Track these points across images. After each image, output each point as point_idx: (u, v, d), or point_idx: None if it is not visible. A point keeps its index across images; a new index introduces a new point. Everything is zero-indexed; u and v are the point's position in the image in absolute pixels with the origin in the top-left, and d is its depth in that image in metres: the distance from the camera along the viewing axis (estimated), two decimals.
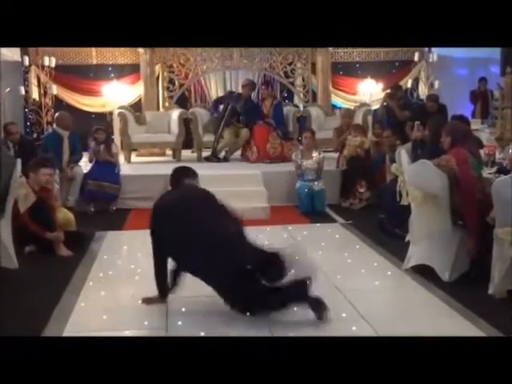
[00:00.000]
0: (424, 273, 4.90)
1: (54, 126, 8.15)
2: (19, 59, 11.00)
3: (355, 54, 11.82)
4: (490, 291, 4.39)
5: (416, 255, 5.07)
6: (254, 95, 11.02)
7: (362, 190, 7.94)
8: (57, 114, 8.34)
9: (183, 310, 4.28)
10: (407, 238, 5.50)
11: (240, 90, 10.05)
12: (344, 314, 4.13)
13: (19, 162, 5.48)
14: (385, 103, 9.28)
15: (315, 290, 4.18)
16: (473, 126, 7.99)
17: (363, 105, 10.33)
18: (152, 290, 4.63)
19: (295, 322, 4.00)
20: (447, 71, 11.69)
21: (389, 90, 9.89)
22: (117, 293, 4.73)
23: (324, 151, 8.33)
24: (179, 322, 4.03)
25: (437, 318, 4.11)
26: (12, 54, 10.78)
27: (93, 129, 8.48)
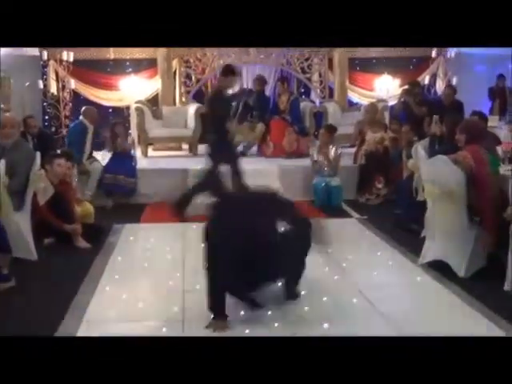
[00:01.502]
0: (440, 268, 4.90)
1: (81, 117, 8.20)
2: (37, 54, 11.08)
3: (372, 49, 11.75)
4: (506, 287, 4.38)
5: (432, 251, 5.08)
6: (269, 91, 11.04)
7: (379, 186, 7.93)
8: (84, 107, 8.40)
9: (198, 301, 4.29)
10: (423, 234, 5.50)
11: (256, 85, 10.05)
12: (359, 309, 4.16)
13: (38, 155, 5.55)
14: (402, 99, 9.24)
15: (331, 286, 4.23)
16: (490, 123, 7.97)
17: (380, 101, 10.29)
18: (167, 282, 4.69)
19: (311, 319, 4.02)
20: (465, 68, 11.61)
21: (406, 86, 9.83)
22: (134, 284, 4.77)
23: (342, 146, 8.34)
24: (194, 313, 4.07)
25: (452, 314, 4.12)
26: (30, 48, 10.86)
27: (111, 122, 8.57)
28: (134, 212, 7.42)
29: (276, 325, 3.86)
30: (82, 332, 3.78)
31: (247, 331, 3.75)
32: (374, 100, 10.64)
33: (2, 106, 9.34)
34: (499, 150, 6.06)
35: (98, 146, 8.53)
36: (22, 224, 5.21)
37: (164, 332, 3.80)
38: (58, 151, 6.50)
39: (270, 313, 4.05)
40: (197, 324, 3.90)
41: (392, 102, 10.46)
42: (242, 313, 4.05)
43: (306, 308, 4.17)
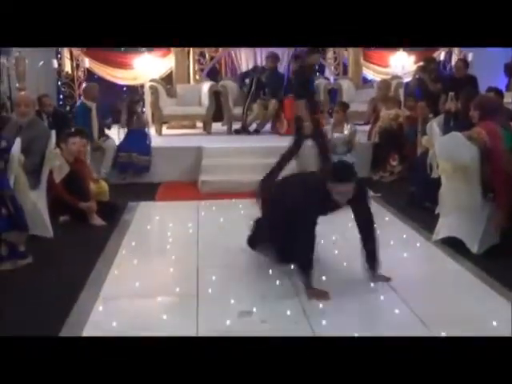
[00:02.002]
0: (453, 245, 4.90)
1: (82, 97, 8.26)
2: None
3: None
4: None
5: (445, 227, 5.08)
6: (283, 68, 10.98)
7: (394, 163, 7.91)
8: (84, 86, 8.46)
9: (213, 278, 4.36)
10: (437, 211, 5.49)
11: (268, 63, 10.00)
12: (373, 285, 4.18)
13: (53, 133, 5.56)
14: (417, 76, 9.16)
15: (344, 263, 4.26)
16: (507, 99, 7.89)
17: (395, 77, 10.22)
18: (182, 258, 4.74)
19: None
20: None
21: (421, 63, 9.74)
22: (149, 261, 4.81)
23: (355, 124, 8.31)
24: (209, 290, 4.11)
25: (465, 290, 4.13)
26: None
27: (125, 100, 8.60)
28: (148, 190, 7.47)
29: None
30: (97, 308, 3.83)
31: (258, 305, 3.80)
32: (388, 77, 10.57)
33: (17, 85, 9.41)
34: None
35: (110, 124, 8.57)
36: (38, 202, 5.24)
37: (178, 307, 3.86)
38: (73, 129, 6.49)
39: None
40: (211, 300, 3.95)
41: (407, 79, 10.37)
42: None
43: (323, 277, 4.21)
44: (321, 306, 3.80)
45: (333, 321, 3.60)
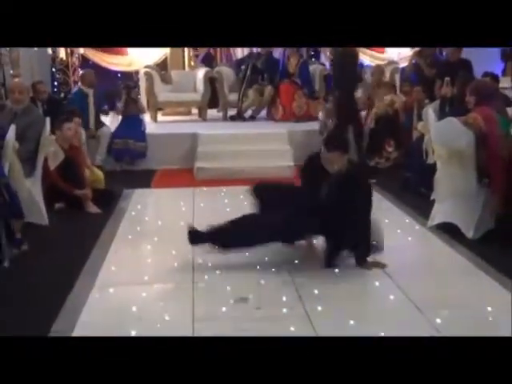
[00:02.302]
0: (448, 231, 4.91)
1: (79, 84, 8.23)
2: None
3: None
4: None
5: (441, 213, 5.09)
6: (279, 53, 10.94)
7: (390, 150, 7.88)
8: (80, 72, 8.43)
9: (209, 264, 4.37)
10: (432, 197, 5.50)
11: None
12: (366, 271, 4.20)
13: (48, 120, 5.55)
14: (413, 61, 9.14)
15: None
16: (503, 84, 7.88)
17: (391, 63, 10.17)
18: (177, 245, 4.74)
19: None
20: None
21: (417, 48, 9.72)
22: (144, 248, 4.83)
23: None
24: (205, 277, 4.12)
25: (461, 276, 4.15)
26: None
27: (121, 85, 8.58)
28: (143, 177, 7.47)
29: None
30: (93, 296, 3.84)
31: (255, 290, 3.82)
32: (384, 62, 10.53)
33: (11, 71, 9.35)
34: (510, 111, 6.01)
35: (107, 111, 8.53)
36: (33, 189, 5.24)
37: (173, 294, 3.89)
38: (66, 114, 6.46)
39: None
40: (207, 287, 3.96)
41: (403, 64, 10.34)
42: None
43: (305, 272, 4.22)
44: (316, 291, 3.81)
45: (328, 307, 3.62)
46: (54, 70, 11.19)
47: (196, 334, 3.28)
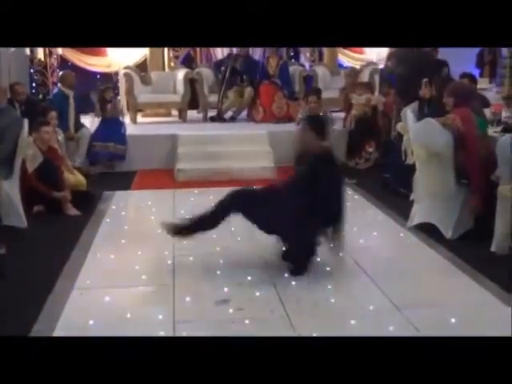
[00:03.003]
0: (427, 231, 4.96)
1: (59, 85, 8.17)
2: None
3: None
4: (493, 248, 4.45)
5: (420, 213, 5.13)
6: (258, 54, 10.97)
7: (370, 150, 7.95)
8: (61, 73, 8.37)
9: (190, 260, 4.43)
10: (411, 197, 5.54)
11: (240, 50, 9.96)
12: (348, 270, 4.22)
13: (26, 122, 5.50)
14: (388, 63, 9.23)
15: (321, 248, 4.30)
16: (480, 85, 7.96)
17: (370, 64, 10.25)
18: (158, 248, 4.73)
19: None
20: None
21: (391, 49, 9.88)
22: (124, 250, 4.79)
23: (331, 111, 8.33)
24: (186, 279, 4.12)
25: (439, 275, 4.18)
26: None
27: (99, 87, 8.52)
28: (124, 179, 7.43)
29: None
30: (72, 299, 3.81)
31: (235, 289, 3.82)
32: (363, 63, 10.62)
33: None
34: (488, 112, 6.08)
35: (86, 112, 8.46)
36: (11, 191, 5.20)
37: (154, 296, 3.86)
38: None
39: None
40: (188, 289, 3.95)
41: (382, 65, 10.41)
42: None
43: (285, 273, 4.22)
44: (295, 293, 3.82)
45: (306, 303, 3.67)
46: (32, 71, 11.09)
47: (177, 335, 3.27)
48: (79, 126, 7.90)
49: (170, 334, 3.30)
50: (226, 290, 3.89)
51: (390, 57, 9.28)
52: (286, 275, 4.12)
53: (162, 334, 3.29)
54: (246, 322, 3.45)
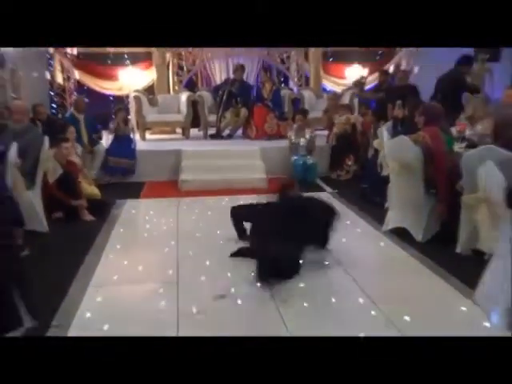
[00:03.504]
0: (400, 235, 4.98)
1: (72, 109, 8.20)
2: (44, 48, 10.94)
3: None
4: (457, 250, 4.47)
5: (393, 219, 5.16)
6: (253, 79, 11.01)
7: (349, 163, 7.99)
8: (73, 99, 8.39)
9: (192, 260, 4.43)
10: (386, 205, 5.57)
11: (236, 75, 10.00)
12: (330, 268, 4.25)
13: (47, 138, 5.52)
14: (351, 91, 9.42)
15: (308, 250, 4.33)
16: None
17: (350, 88, 10.31)
18: (163, 249, 4.73)
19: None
20: (426, 58, 11.53)
21: (356, 79, 10.17)
22: (134, 251, 4.80)
23: (316, 129, 8.38)
24: (188, 276, 4.13)
25: (410, 274, 4.20)
26: None
27: (113, 109, 8.57)
28: (134, 188, 7.43)
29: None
30: (88, 295, 3.82)
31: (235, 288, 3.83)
32: (344, 87, 10.68)
33: (12, 95, 9.25)
34: (454, 130, 6.11)
35: (100, 134, 8.46)
36: (34, 200, 5.21)
37: (161, 292, 3.85)
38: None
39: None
40: (190, 285, 3.96)
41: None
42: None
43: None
44: (285, 289, 3.84)
45: (294, 299, 3.68)
46: (51, 93, 11.10)
47: (180, 328, 3.28)
48: (94, 142, 7.92)
49: (174, 325, 3.31)
50: (223, 286, 3.91)
51: (357, 83, 9.51)
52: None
53: (166, 325, 3.30)
54: (241, 315, 3.46)
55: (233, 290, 3.85)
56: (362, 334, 3.12)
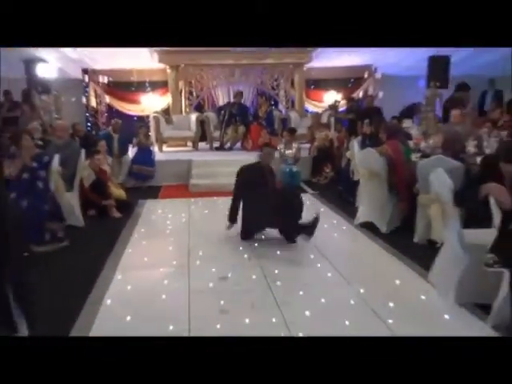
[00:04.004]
0: (368, 227, 4.98)
1: (110, 128, 8.21)
2: (81, 77, 10.93)
3: (322, 73, 11.71)
4: (415, 240, 4.49)
5: (363, 215, 5.16)
6: (249, 102, 11.00)
7: (327, 170, 7.98)
8: (113, 122, 8.37)
9: (201, 248, 4.39)
10: (357, 204, 5.57)
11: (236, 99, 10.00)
12: (312, 256, 4.24)
13: (83, 151, 5.52)
14: (327, 112, 9.42)
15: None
16: (406, 125, 8.03)
17: (327, 110, 10.30)
18: (177, 239, 4.71)
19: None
20: (389, 85, 11.58)
21: (331, 102, 10.11)
22: (154, 242, 4.78)
23: (300, 143, 8.37)
24: (197, 262, 4.12)
25: (377, 259, 4.21)
26: (75, 73, 10.71)
27: (137, 126, 8.59)
28: (153, 191, 7.41)
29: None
30: (117, 277, 3.80)
31: (241, 271, 3.82)
32: (323, 109, 10.68)
33: (55, 116, 9.23)
34: (411, 143, 6.13)
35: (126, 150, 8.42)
36: (72, 200, 5.20)
37: (175, 275, 3.84)
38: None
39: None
40: (198, 269, 3.95)
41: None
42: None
43: (278, 252, 4.27)
44: (276, 271, 3.84)
45: (283, 280, 3.67)
46: (87, 114, 11.08)
47: (191, 302, 3.27)
48: (123, 153, 7.91)
49: (186, 299, 3.30)
50: (226, 269, 3.90)
51: (332, 106, 9.51)
52: (269, 258, 4.12)
53: (179, 301, 3.28)
54: (241, 292, 3.47)
55: (231, 273, 3.84)
56: (331, 304, 3.12)
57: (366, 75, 11.64)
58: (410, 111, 10.60)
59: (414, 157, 5.41)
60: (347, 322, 2.95)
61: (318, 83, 11.94)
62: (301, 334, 2.80)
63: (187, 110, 10.68)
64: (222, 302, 3.25)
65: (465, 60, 9.89)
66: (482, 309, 3.00)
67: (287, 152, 7.84)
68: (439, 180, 3.43)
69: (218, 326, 2.92)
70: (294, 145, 7.91)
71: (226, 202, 5.04)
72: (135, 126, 8.66)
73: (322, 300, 3.27)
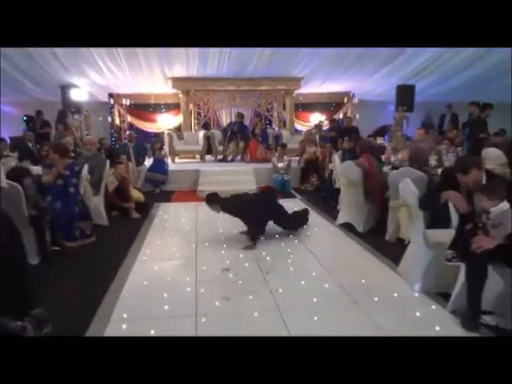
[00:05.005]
0: (347, 227, 4.95)
1: (126, 140, 8.21)
2: (107, 100, 10.93)
3: (309, 98, 11.74)
4: (386, 238, 4.47)
5: (343, 217, 5.13)
6: (248, 121, 11.00)
7: (313, 179, 7.98)
8: (127, 133, 8.38)
9: (206, 244, 4.36)
10: (338, 207, 5.56)
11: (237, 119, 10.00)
12: (299, 251, 4.22)
13: (108, 162, 5.51)
14: (313, 131, 9.44)
15: (284, 239, 4.27)
16: (379, 141, 8.05)
17: (314, 128, 10.29)
18: (186, 237, 4.68)
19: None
20: (364, 109, 11.63)
21: (316, 123, 10.07)
22: (167, 239, 4.74)
23: (291, 156, 8.37)
24: (203, 255, 4.08)
25: (354, 253, 4.19)
26: (102, 96, 10.71)
27: (153, 141, 8.59)
28: (167, 195, 7.38)
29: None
30: (135, 268, 3.76)
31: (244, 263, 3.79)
32: (310, 128, 10.69)
33: (85, 132, 9.23)
34: (383, 157, 6.13)
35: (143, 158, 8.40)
36: (98, 203, 5.17)
37: (184, 266, 3.80)
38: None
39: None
40: (204, 261, 3.91)
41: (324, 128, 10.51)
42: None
43: (273, 247, 4.22)
44: (268, 260, 3.81)
45: (275, 270, 3.64)
46: (112, 131, 11.06)
47: (198, 291, 3.24)
48: (140, 162, 7.89)
49: (193, 288, 3.27)
50: (227, 262, 3.88)
51: (317, 126, 9.51)
52: (264, 253, 4.10)
53: (188, 288, 3.25)
54: (240, 282, 3.44)
55: (234, 264, 3.81)
56: (315, 291, 3.10)
57: (345, 100, 11.68)
58: (381, 130, 10.68)
59: (386, 168, 5.42)
60: (329, 307, 2.94)
61: (306, 106, 11.98)
62: (291, 317, 2.78)
63: (196, 127, 10.68)
64: (222, 289, 3.23)
65: (427, 88, 9.97)
66: (443, 296, 2.99)
67: (279, 164, 7.86)
68: (406, 188, 3.43)
69: (221, 310, 2.89)
70: (286, 158, 7.93)
71: None
72: (152, 142, 8.70)
73: (308, 287, 3.25)
